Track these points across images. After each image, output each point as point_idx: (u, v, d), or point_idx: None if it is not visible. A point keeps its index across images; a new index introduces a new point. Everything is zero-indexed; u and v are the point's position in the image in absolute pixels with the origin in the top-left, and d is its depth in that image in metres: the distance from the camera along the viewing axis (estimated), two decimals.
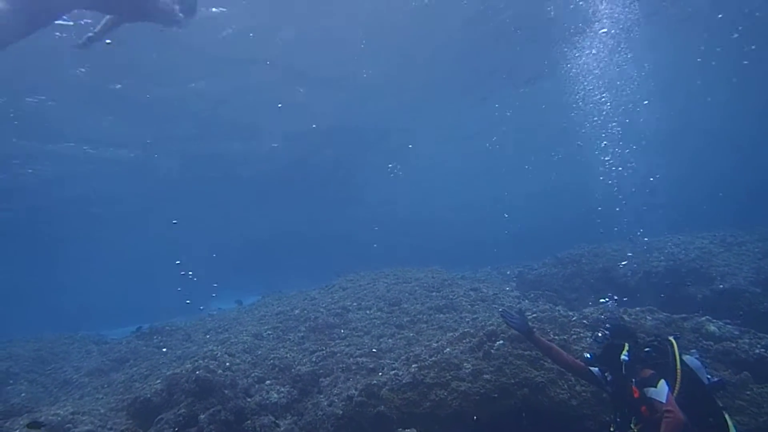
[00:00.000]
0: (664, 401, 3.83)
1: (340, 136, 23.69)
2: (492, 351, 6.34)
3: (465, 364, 6.25)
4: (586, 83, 16.66)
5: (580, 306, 9.49)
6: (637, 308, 8.11)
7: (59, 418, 6.59)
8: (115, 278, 48.36)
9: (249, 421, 6.39)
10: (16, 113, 15.76)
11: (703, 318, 7.51)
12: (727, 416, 3.93)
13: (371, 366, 7.38)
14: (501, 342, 6.39)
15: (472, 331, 6.94)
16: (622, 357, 4.24)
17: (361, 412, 6.18)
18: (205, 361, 7.57)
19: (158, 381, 7.49)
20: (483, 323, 7.29)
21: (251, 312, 12.48)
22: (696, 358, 4.21)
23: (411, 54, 16.54)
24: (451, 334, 7.45)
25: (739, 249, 12.51)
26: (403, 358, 7.30)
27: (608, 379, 4.52)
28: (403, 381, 6.34)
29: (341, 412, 6.30)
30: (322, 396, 6.95)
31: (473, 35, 15.70)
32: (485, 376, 5.97)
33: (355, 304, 10.78)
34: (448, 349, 6.78)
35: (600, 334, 4.58)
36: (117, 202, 27.14)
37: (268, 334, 9.78)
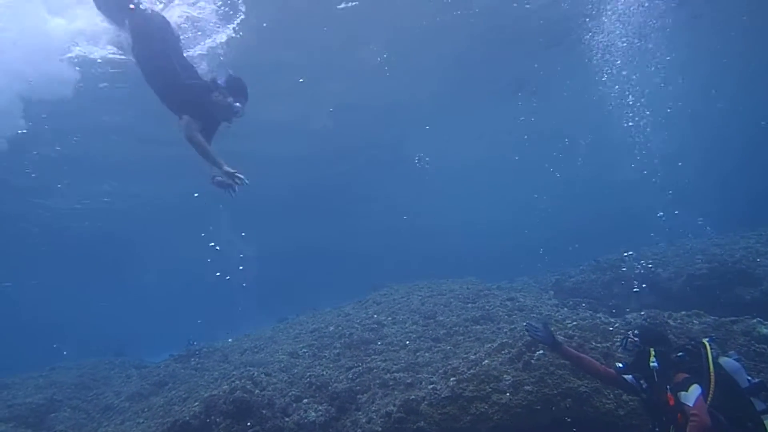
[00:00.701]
0: (692, 405, 3.71)
1: (359, 150, 23.92)
2: (532, 361, 6.15)
3: (505, 376, 6.07)
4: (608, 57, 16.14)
5: (622, 312, 9.19)
6: (683, 312, 7.79)
7: None
8: (152, 302, 49.15)
9: None
10: None
11: (754, 320, 7.15)
12: None
13: (409, 381, 7.25)
14: (541, 352, 6.19)
15: (510, 341, 6.75)
16: (651, 364, 4.13)
17: (401, 429, 6.06)
18: (242, 381, 7.53)
19: (196, 403, 7.47)
20: (521, 333, 7.07)
21: (286, 330, 12.48)
22: (735, 359, 4.03)
23: (431, 61, 16.59)
24: (489, 345, 7.26)
25: None
26: (440, 371, 7.15)
27: (644, 386, 4.38)
28: (442, 395, 6.18)
29: (380, 429, 6.19)
30: (360, 413, 6.84)
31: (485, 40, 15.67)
32: (526, 388, 5.79)
33: (389, 318, 10.67)
34: (486, 361, 6.60)
35: (629, 341, 4.42)
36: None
37: (304, 352, 9.74)
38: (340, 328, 10.69)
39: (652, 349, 4.20)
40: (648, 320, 7.33)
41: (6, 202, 21.70)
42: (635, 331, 4.49)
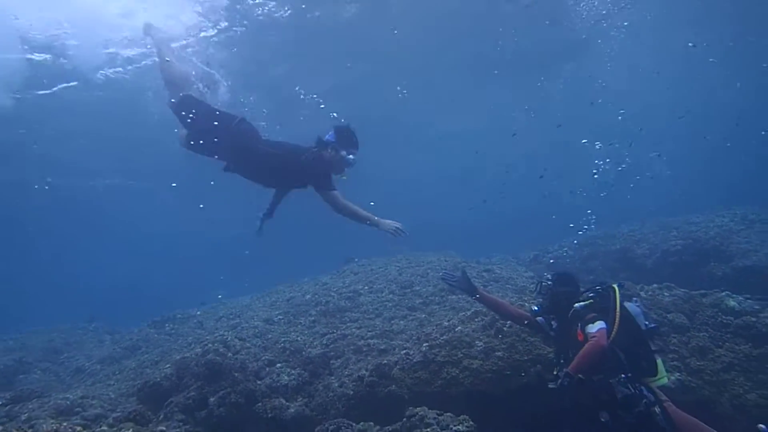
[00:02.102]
0: (594, 332, 4.15)
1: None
2: (504, 329, 6.20)
3: (477, 342, 6.12)
4: None
5: None
6: (654, 285, 7.92)
7: (68, 402, 6.56)
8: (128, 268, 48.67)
9: (260, 404, 6.31)
10: None
11: (723, 293, 7.31)
12: (659, 361, 4.31)
13: (383, 347, 7.26)
14: None
15: (484, 309, 6.77)
16: (576, 306, 4.55)
17: (372, 392, 6.07)
18: (215, 345, 7.48)
19: (168, 366, 7.44)
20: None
21: (262, 299, 12.40)
22: (637, 305, 4.55)
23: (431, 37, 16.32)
24: (463, 313, 7.31)
25: (762, 226, 12.17)
26: (414, 338, 7.19)
27: (554, 326, 4.85)
28: (414, 360, 6.22)
29: (352, 392, 6.20)
30: (332, 377, 6.85)
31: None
32: (497, 354, 5.84)
33: (366, 287, 10.64)
34: (459, 328, 6.65)
35: (543, 285, 4.90)
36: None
37: (279, 318, 9.70)
38: (316, 296, 10.63)
39: (591, 297, 4.65)
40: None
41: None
42: (548, 276, 4.97)
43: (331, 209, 5.84)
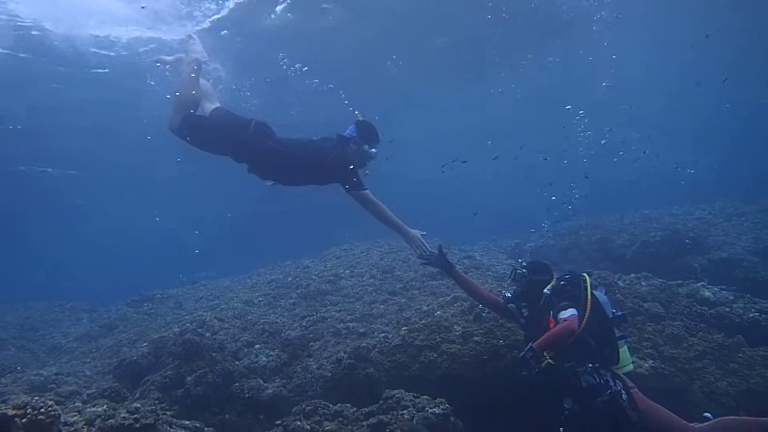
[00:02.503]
0: (566, 317, 4.19)
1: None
2: (483, 314, 6.24)
3: (455, 327, 6.15)
4: None
5: None
6: (632, 274, 8.04)
7: (42, 378, 6.50)
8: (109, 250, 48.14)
9: (237, 384, 6.27)
10: None
11: (699, 284, 7.46)
12: (624, 348, 4.41)
13: (362, 330, 7.29)
14: None
15: (463, 295, 6.82)
16: (545, 291, 4.62)
17: (350, 375, 6.06)
18: (193, 325, 7.47)
19: (145, 344, 7.40)
20: None
21: (243, 281, 12.37)
22: (603, 294, 4.65)
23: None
24: (443, 299, 7.37)
25: (739, 220, 12.45)
26: (393, 322, 7.22)
27: (525, 314, 4.89)
28: (393, 343, 6.24)
29: (330, 374, 6.20)
30: (311, 359, 6.85)
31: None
32: (475, 338, 5.87)
33: (347, 271, 10.66)
34: (438, 312, 6.70)
35: (518, 272, 4.94)
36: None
37: (259, 300, 9.68)
38: (297, 279, 10.63)
39: (553, 280, 4.77)
40: (598, 280, 7.51)
41: None
42: (523, 263, 5.02)
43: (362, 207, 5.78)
